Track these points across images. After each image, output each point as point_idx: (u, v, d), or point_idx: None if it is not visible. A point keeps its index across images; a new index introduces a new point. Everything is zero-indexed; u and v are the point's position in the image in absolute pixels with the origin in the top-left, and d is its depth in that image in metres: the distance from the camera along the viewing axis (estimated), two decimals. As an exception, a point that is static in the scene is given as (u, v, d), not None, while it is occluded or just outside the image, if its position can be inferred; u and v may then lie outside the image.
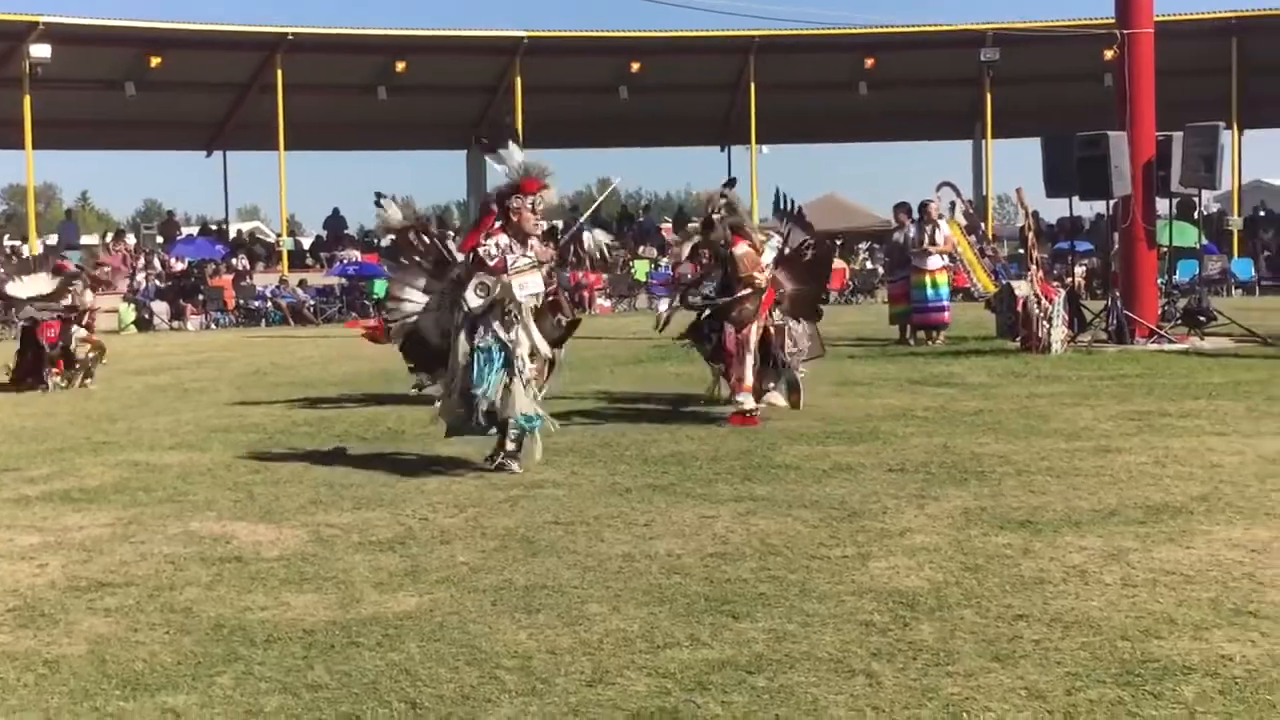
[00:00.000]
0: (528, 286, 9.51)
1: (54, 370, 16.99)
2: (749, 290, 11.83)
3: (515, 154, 9.82)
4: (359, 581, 6.58)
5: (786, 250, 12.69)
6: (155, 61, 37.41)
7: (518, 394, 9.40)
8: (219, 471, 9.93)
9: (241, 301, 36.82)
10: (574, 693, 4.91)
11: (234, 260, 39.86)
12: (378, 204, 10.90)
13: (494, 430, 9.56)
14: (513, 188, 9.62)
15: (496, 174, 9.98)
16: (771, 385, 12.26)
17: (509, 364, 9.41)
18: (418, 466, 9.96)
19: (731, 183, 12.72)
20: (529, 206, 9.58)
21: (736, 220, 12.09)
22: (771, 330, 12.12)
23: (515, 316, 9.47)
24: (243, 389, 16.23)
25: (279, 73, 37.73)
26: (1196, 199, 25.47)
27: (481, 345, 9.38)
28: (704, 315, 12.38)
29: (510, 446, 9.53)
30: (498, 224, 9.58)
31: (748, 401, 11.71)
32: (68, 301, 17.50)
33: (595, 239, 12.63)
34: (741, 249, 11.91)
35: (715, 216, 11.94)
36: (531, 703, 4.82)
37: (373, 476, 9.49)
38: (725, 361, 12.06)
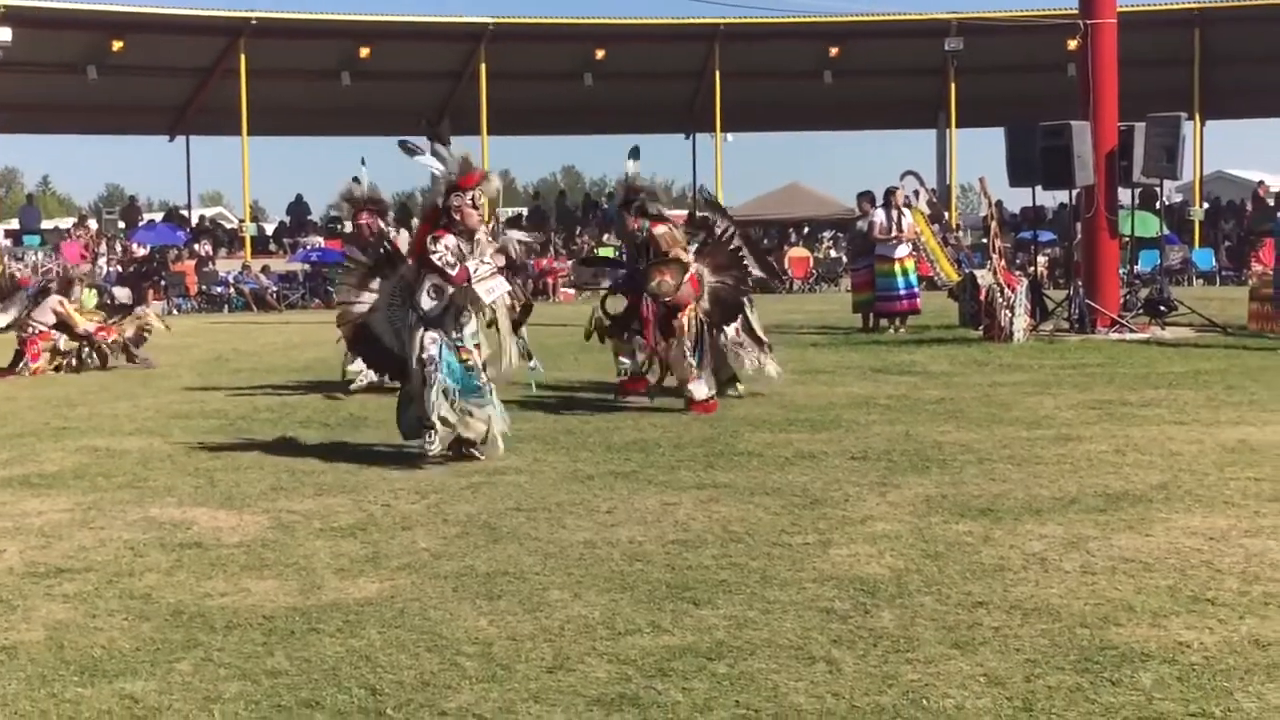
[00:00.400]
0: (495, 290, 9.42)
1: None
2: (670, 262, 11.66)
3: (446, 152, 9.68)
4: (320, 568, 6.56)
5: (708, 240, 12.46)
6: (117, 45, 37.18)
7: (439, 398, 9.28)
8: (179, 457, 9.89)
9: (204, 287, 36.66)
10: (534, 679, 4.90)
11: (196, 246, 39.69)
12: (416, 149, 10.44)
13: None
14: (450, 186, 9.46)
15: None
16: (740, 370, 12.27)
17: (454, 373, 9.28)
18: (380, 453, 9.94)
19: (634, 151, 12.57)
20: (469, 202, 9.46)
21: (654, 205, 11.99)
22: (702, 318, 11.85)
23: (470, 318, 9.43)
24: (204, 375, 16.17)
25: (242, 57, 37.56)
26: (1158, 189, 25.56)
27: (427, 355, 9.25)
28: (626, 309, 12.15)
29: (470, 435, 9.44)
30: (441, 225, 9.44)
31: (699, 391, 11.65)
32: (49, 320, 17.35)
33: (509, 236, 12.55)
34: (661, 229, 11.82)
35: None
36: (492, 689, 4.82)
37: (335, 463, 9.46)
38: (644, 333, 11.84)
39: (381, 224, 13.78)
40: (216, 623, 5.65)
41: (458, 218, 9.39)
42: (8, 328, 17.54)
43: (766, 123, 46.32)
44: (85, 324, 17.34)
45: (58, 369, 16.96)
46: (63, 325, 17.18)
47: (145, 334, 17.82)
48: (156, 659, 5.20)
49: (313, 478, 8.91)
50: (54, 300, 17.38)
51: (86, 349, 17.26)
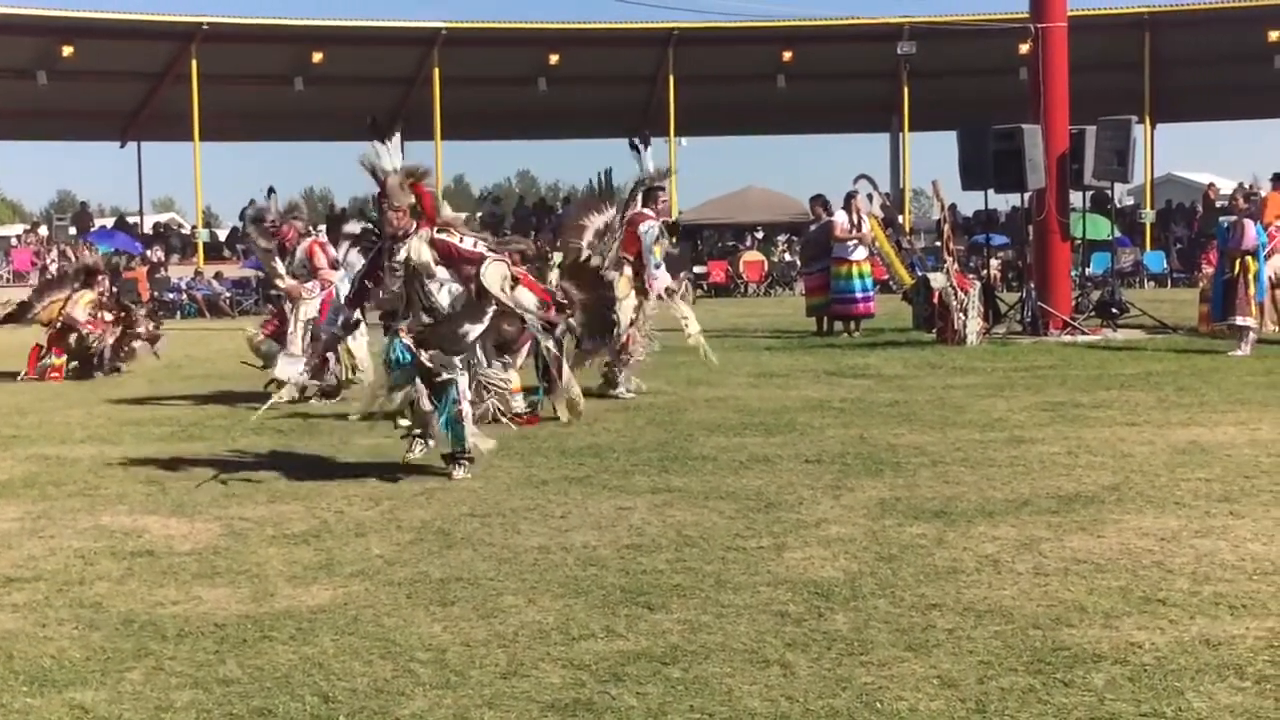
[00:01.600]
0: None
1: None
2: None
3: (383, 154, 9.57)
4: (272, 575, 6.53)
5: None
6: (68, 50, 36.90)
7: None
8: (131, 465, 9.81)
9: (156, 293, 36.43)
10: (488, 685, 4.89)
11: (149, 252, 39.45)
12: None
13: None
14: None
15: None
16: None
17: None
18: (333, 460, 9.90)
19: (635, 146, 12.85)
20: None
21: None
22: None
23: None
24: (157, 382, 16.06)
25: (194, 62, 37.34)
26: (1109, 192, 25.72)
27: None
28: None
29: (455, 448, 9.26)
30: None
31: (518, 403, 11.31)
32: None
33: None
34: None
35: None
36: (445, 695, 4.80)
37: (288, 470, 9.41)
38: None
39: (301, 226, 13.67)
40: (168, 631, 5.61)
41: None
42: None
43: (720, 127, 46.35)
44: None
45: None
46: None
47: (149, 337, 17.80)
48: (107, 668, 5.16)
49: (265, 485, 8.86)
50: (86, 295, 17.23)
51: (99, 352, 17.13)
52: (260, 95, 40.99)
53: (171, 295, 36.27)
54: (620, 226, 12.93)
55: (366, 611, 5.84)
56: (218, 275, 37.48)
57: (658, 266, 13.01)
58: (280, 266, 13.59)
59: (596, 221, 13.02)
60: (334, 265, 13.48)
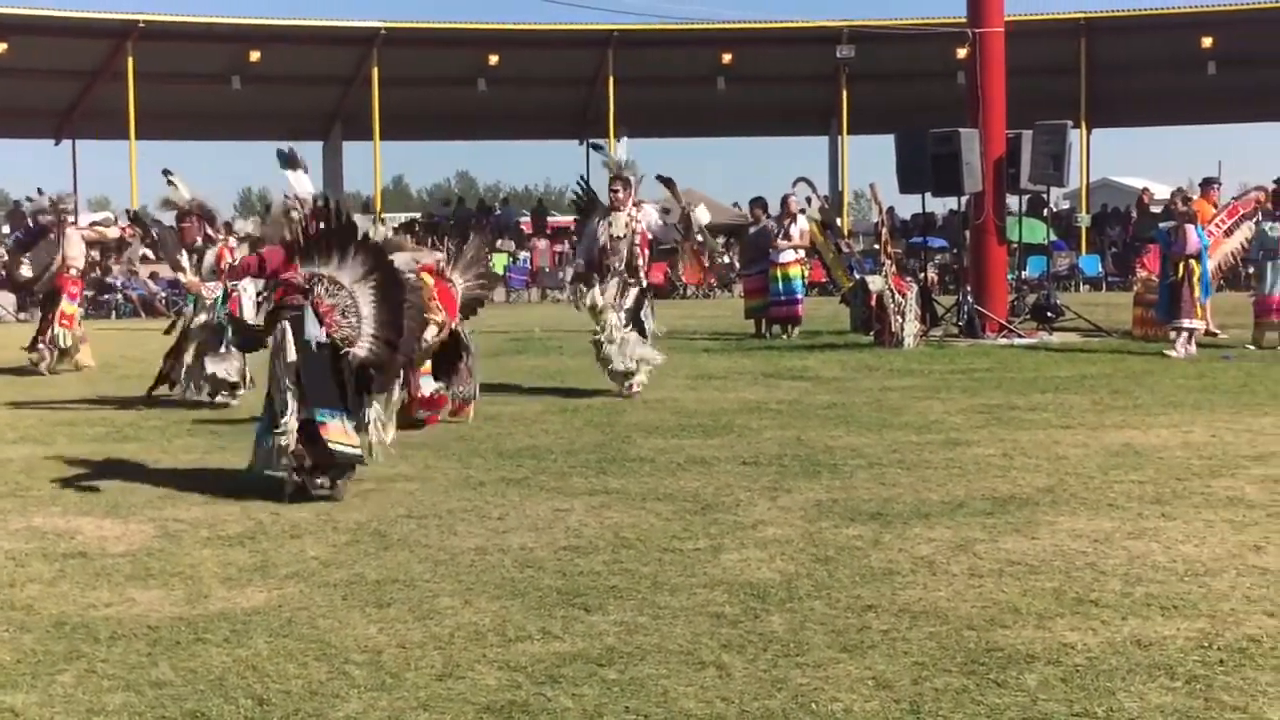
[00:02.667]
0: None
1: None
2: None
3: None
4: (207, 577, 6.49)
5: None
6: (1, 48, 36.55)
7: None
8: (64, 466, 9.72)
9: (90, 293, 36.10)
10: (424, 687, 4.88)
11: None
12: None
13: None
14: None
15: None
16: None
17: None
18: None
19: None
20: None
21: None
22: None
23: None
24: (91, 382, 15.90)
25: (130, 60, 37.02)
26: (1045, 196, 25.92)
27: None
28: None
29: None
30: None
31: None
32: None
33: None
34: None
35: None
36: (380, 697, 4.79)
37: (223, 470, 9.36)
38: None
39: (209, 231, 13.50)
40: (100, 633, 5.57)
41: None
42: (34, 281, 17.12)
43: (660, 129, 46.33)
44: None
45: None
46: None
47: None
48: (38, 671, 5.12)
49: (201, 486, 8.80)
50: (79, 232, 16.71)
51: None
52: (197, 94, 40.66)
53: (106, 295, 35.96)
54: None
55: (301, 613, 5.82)
56: (153, 275, 37.17)
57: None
58: (184, 260, 13.36)
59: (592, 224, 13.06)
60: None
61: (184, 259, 13.36)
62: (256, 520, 7.74)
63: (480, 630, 5.52)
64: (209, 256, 13.16)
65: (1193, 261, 16.37)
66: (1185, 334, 16.26)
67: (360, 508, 8.03)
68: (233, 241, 13.59)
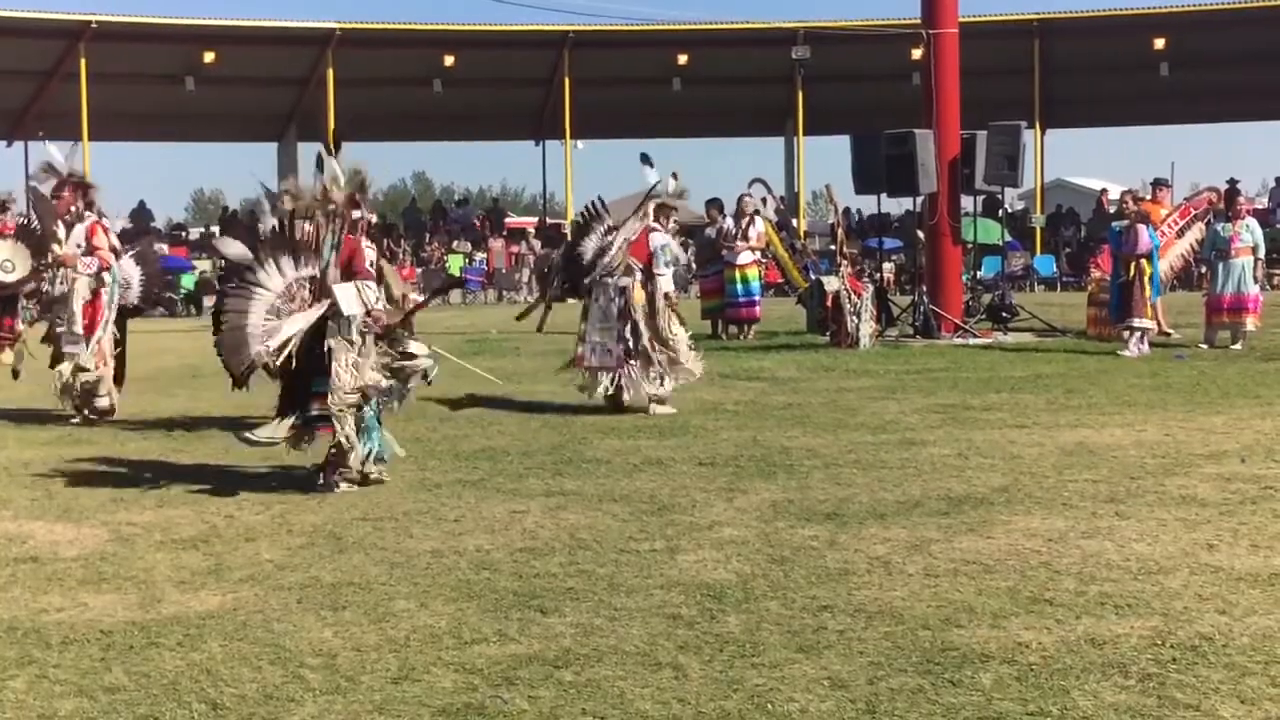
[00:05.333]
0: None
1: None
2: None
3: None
4: (160, 581, 6.45)
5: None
6: (-48, 49, 36.31)
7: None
8: (15, 469, 9.65)
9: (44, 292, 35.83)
10: (379, 690, 4.86)
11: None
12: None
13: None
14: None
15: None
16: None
17: None
18: (224, 463, 9.78)
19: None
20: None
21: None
22: None
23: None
24: (44, 384, 15.74)
25: (83, 61, 36.81)
26: (1000, 196, 26.02)
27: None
28: None
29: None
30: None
31: None
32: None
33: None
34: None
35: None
36: (335, 701, 4.77)
37: (177, 474, 9.31)
38: None
39: (81, 206, 12.64)
40: (52, 638, 5.53)
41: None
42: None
43: (617, 130, 46.38)
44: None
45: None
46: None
47: None
48: (-11, 677, 5.08)
49: (154, 489, 8.75)
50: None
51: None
52: (151, 95, 40.46)
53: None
54: (621, 240, 12.73)
55: (256, 617, 5.79)
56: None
57: (668, 264, 12.80)
58: (61, 231, 12.65)
59: (590, 242, 12.80)
60: (114, 250, 12.79)
61: (61, 231, 12.82)
62: (210, 523, 7.70)
63: (436, 632, 5.50)
64: (78, 230, 12.52)
65: (1143, 261, 16.47)
66: (1138, 333, 16.36)
67: (315, 510, 8.00)
68: (106, 220, 13.20)
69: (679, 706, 4.66)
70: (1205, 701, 4.60)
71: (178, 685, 4.95)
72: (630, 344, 12.13)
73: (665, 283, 12.51)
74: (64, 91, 37.73)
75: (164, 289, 15.02)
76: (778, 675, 4.92)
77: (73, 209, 12.63)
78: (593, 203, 13.09)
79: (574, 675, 4.96)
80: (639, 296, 12.25)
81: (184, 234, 46.10)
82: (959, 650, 5.14)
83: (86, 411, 12.32)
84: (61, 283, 12.63)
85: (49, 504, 8.38)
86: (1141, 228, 16.56)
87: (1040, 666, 4.94)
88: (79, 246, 12.50)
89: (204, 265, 36.27)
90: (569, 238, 14.31)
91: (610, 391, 12.18)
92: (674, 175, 12.89)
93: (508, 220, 48.96)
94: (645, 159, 12.99)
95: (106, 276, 12.50)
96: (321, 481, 8.68)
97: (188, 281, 35.79)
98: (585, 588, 6.15)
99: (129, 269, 13.00)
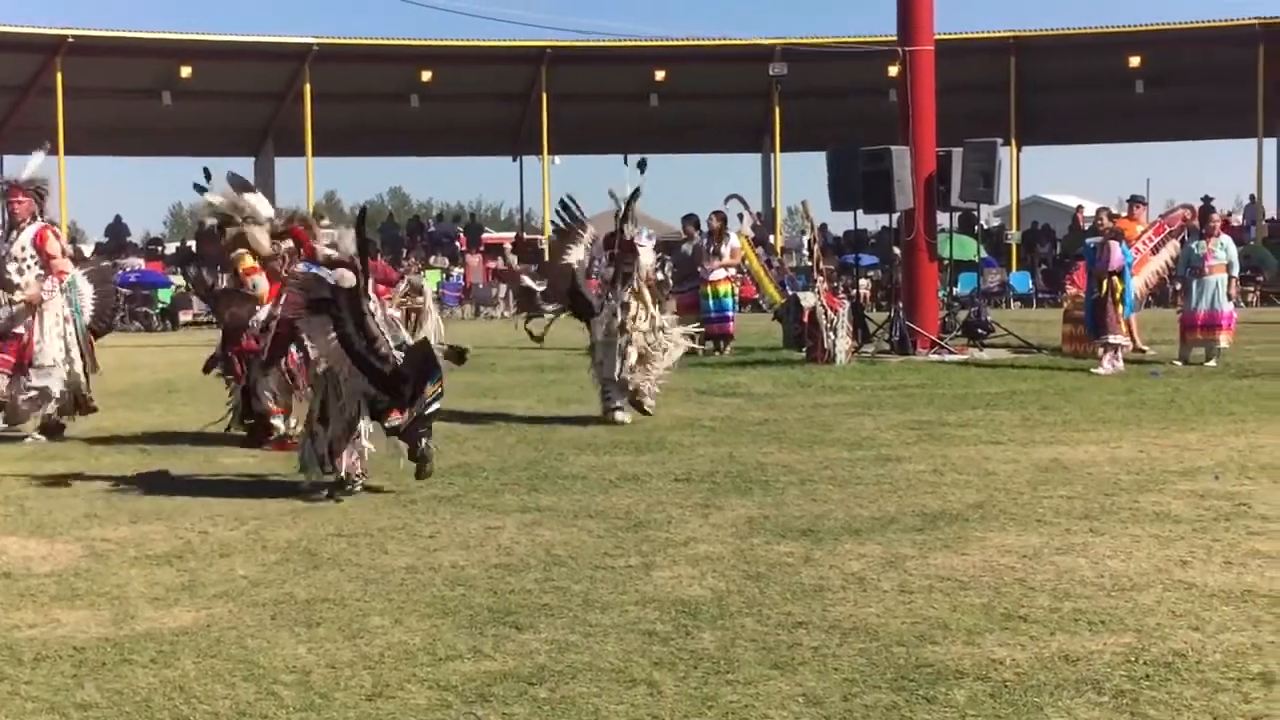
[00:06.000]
0: None
1: None
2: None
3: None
4: (134, 597, 6.42)
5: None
6: (-72, 63, 36.23)
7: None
8: (-11, 485, 9.62)
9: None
10: (353, 707, 4.85)
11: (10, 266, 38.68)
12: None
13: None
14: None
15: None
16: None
17: None
18: (199, 479, 9.77)
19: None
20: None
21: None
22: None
23: None
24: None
25: (59, 75, 36.76)
26: (976, 213, 26.11)
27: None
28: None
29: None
30: None
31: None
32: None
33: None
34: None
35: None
36: (309, 718, 4.75)
37: (151, 489, 9.27)
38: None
39: (37, 208, 12.27)
40: (24, 655, 5.50)
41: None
42: None
43: (593, 146, 46.47)
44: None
45: None
46: None
47: None
48: (-40, 694, 5.05)
49: (128, 504, 8.72)
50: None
51: None
52: (128, 109, 40.43)
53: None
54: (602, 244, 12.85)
55: (230, 633, 5.77)
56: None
57: (649, 237, 12.95)
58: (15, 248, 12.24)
59: (577, 253, 12.86)
60: (68, 256, 12.60)
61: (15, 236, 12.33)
62: (184, 539, 7.67)
63: (410, 649, 5.49)
64: (26, 233, 12.18)
65: (1115, 278, 16.51)
66: (1112, 350, 16.40)
67: (291, 526, 7.98)
68: (56, 225, 13.00)
69: (653, 723, 4.66)
70: (1178, 718, 4.61)
71: (150, 702, 4.93)
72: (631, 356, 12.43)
73: (646, 255, 12.65)
74: (40, 106, 37.65)
75: (116, 311, 14.45)
76: (752, 692, 4.92)
77: (29, 212, 12.27)
78: (565, 203, 13.17)
79: (548, 692, 4.96)
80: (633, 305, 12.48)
81: (160, 248, 45.97)
82: (933, 667, 5.14)
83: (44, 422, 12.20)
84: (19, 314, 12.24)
85: (22, 519, 8.34)
86: (1114, 244, 16.61)
87: (1014, 683, 4.95)
88: (24, 250, 12.17)
89: (179, 280, 36.17)
90: (553, 247, 14.43)
91: (613, 407, 12.51)
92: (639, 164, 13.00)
93: (485, 236, 48.95)
94: (642, 166, 13.04)
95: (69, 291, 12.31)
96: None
97: (164, 296, 35.72)
98: (560, 604, 6.14)
99: (83, 288, 12.56)
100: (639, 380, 12.46)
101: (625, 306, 12.43)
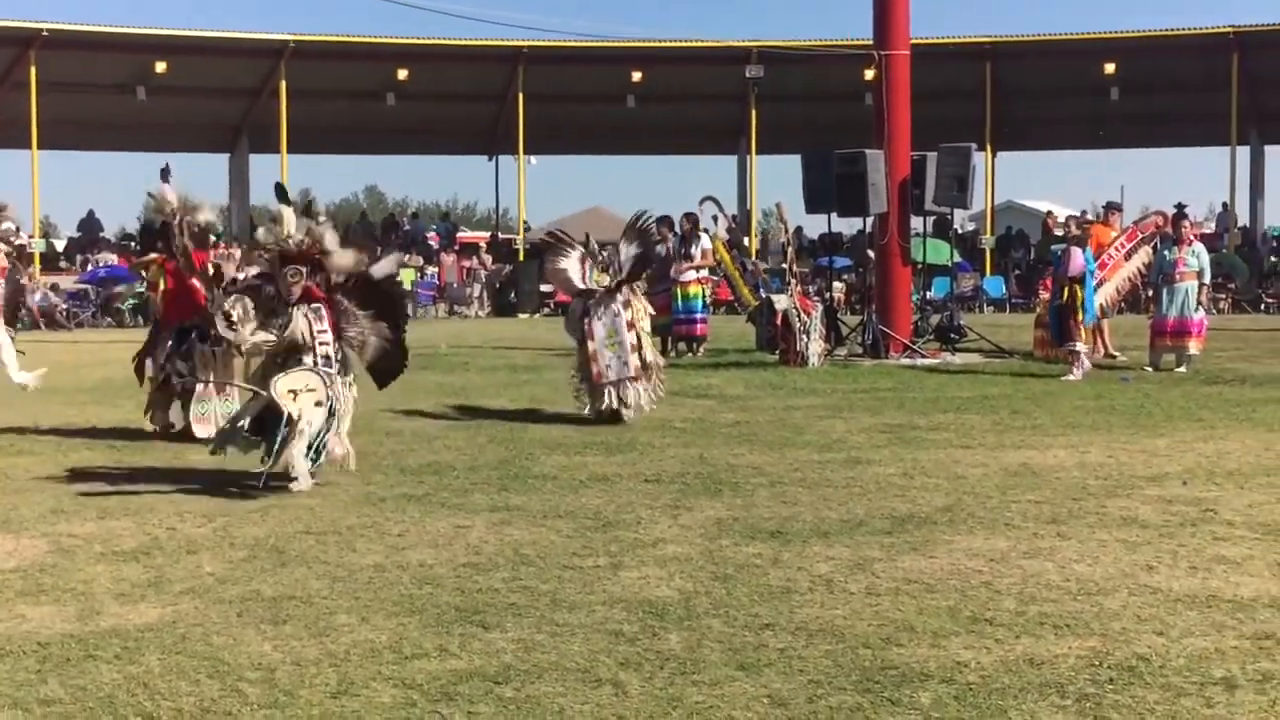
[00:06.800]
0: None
1: None
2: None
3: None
4: (99, 593, 6.40)
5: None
6: (-100, 55, 36.03)
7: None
8: (-44, 480, 9.57)
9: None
10: (317, 704, 4.84)
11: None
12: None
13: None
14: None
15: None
16: None
17: None
18: (168, 475, 9.71)
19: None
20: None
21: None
22: None
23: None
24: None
25: (33, 70, 36.59)
26: (950, 217, 26.16)
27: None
28: None
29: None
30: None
31: None
32: None
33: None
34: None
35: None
36: (274, 715, 4.75)
37: (119, 485, 9.24)
38: None
39: None
40: (-12, 651, 5.48)
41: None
42: None
43: (570, 146, 46.49)
44: None
45: None
46: None
47: None
48: (-77, 688, 5.03)
49: (95, 500, 8.69)
50: None
51: None
52: (102, 104, 40.25)
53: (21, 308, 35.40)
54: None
55: (195, 630, 5.76)
56: (54, 286, 36.72)
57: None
58: None
59: (569, 263, 12.97)
60: None
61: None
62: (152, 536, 7.65)
63: (376, 647, 5.48)
64: None
65: (1076, 285, 16.52)
66: (1076, 357, 16.42)
67: (259, 523, 7.96)
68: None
69: (618, 723, 4.67)
70: (1140, 722, 4.63)
71: (114, 698, 4.91)
72: (641, 357, 12.60)
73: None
74: (13, 100, 37.47)
75: (17, 311, 14.27)
76: (717, 693, 4.92)
77: None
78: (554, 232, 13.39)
79: (514, 691, 4.96)
80: (639, 309, 12.60)
81: (134, 244, 45.78)
82: (898, 669, 5.16)
83: None
84: None
85: (-11, 515, 8.32)
86: (1076, 250, 16.63)
87: (978, 686, 4.97)
88: None
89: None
90: (543, 253, 14.57)
91: (615, 405, 12.48)
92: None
93: (459, 235, 48.86)
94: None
95: None
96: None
97: (138, 290, 35.56)
98: (527, 603, 6.14)
99: None
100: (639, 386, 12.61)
101: (628, 304, 12.58)
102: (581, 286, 12.85)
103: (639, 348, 12.62)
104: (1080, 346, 16.49)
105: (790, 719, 4.68)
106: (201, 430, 11.36)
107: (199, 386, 11.51)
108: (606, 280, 12.81)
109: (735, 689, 4.96)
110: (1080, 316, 16.45)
